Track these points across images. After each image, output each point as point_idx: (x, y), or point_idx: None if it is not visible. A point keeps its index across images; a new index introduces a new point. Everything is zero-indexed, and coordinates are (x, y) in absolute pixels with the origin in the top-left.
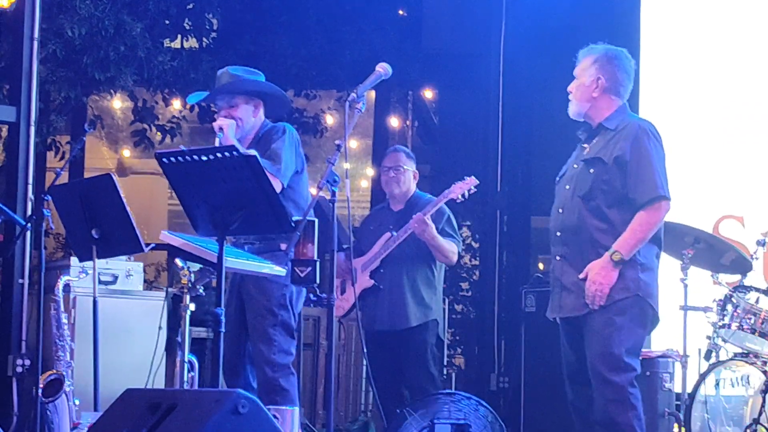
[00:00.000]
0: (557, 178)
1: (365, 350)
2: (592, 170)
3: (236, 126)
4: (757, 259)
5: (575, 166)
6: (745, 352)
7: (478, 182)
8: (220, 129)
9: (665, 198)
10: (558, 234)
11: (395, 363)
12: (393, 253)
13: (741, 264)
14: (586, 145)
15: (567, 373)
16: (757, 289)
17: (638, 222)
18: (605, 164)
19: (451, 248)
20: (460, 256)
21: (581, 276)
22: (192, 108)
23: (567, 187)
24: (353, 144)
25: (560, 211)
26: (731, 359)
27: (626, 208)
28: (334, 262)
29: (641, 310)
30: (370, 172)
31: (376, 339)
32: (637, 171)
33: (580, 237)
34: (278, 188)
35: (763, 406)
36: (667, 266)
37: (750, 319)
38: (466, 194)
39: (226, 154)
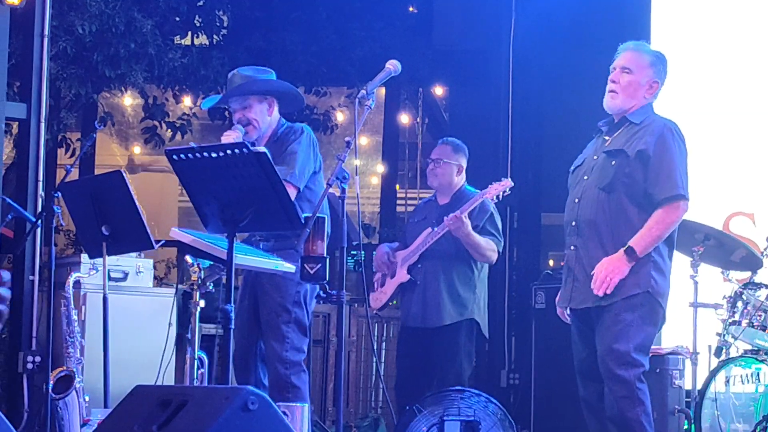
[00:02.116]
0: (571, 168)
1: (374, 346)
2: (614, 162)
3: (252, 127)
4: (767, 256)
5: (595, 157)
6: (755, 348)
7: (512, 184)
8: None
9: (684, 198)
10: (573, 224)
11: (425, 360)
12: (432, 248)
13: (751, 261)
14: (607, 137)
15: (578, 369)
16: (766, 286)
17: (655, 220)
18: (628, 157)
19: (490, 247)
20: None
21: (595, 272)
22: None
23: (585, 177)
24: (363, 141)
25: (576, 201)
26: (741, 356)
27: (646, 203)
28: (344, 258)
29: (651, 308)
30: (380, 168)
31: (409, 335)
32: (659, 167)
33: (597, 229)
34: (293, 194)
35: None
36: (678, 263)
37: (760, 316)
38: (501, 196)
39: (236, 151)
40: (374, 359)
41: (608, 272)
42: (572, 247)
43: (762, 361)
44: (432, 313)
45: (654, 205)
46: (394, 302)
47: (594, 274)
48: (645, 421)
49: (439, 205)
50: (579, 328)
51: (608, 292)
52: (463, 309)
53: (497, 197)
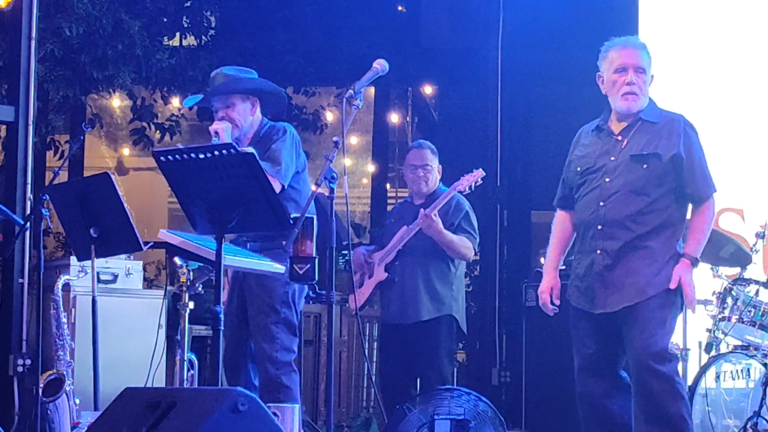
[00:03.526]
0: (579, 168)
1: (365, 345)
2: (645, 166)
3: (234, 126)
4: (756, 251)
5: (612, 158)
6: (746, 344)
7: (484, 174)
8: (216, 133)
9: (715, 191)
10: (600, 228)
11: (406, 357)
12: (409, 246)
13: (741, 257)
14: (620, 137)
15: (582, 365)
16: (757, 282)
17: (702, 221)
18: (661, 160)
19: (464, 244)
20: None
21: (673, 285)
22: (191, 106)
23: (607, 179)
24: (353, 141)
25: (601, 204)
26: (731, 352)
27: (677, 203)
28: (333, 258)
29: (678, 300)
30: (371, 168)
31: (388, 332)
32: (693, 168)
33: (628, 231)
34: (278, 189)
35: (763, 398)
36: None
37: (750, 311)
38: (473, 186)
39: (224, 152)
40: (365, 358)
41: (692, 286)
42: (598, 251)
43: (752, 357)
44: (410, 309)
45: (694, 205)
46: (373, 306)
47: (686, 291)
48: (686, 415)
49: (415, 205)
50: (594, 326)
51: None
52: (440, 305)
53: (470, 188)
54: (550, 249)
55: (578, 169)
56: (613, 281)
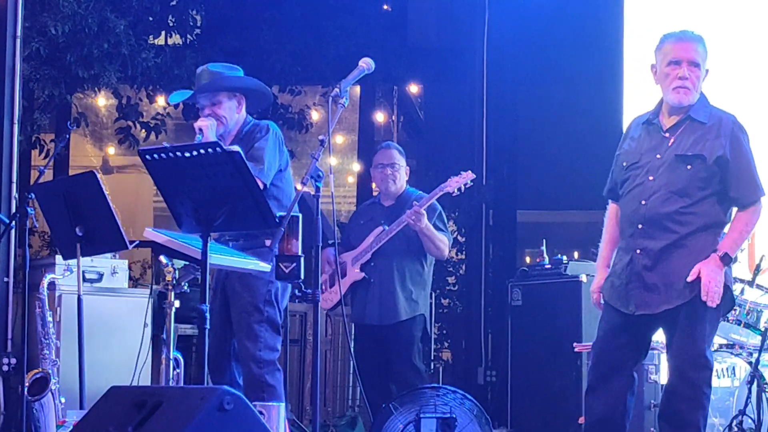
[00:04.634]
0: (625, 163)
1: (351, 344)
2: (689, 167)
3: (220, 123)
4: (742, 250)
5: (658, 156)
6: (731, 343)
7: (474, 176)
8: (200, 130)
9: (763, 195)
10: (640, 227)
11: (383, 357)
12: (384, 247)
13: None
14: (668, 134)
15: (600, 359)
16: (742, 281)
17: (744, 222)
18: (705, 162)
19: (444, 241)
20: None
21: (691, 278)
22: (176, 104)
23: (650, 178)
24: (339, 140)
25: (643, 203)
26: (717, 350)
27: (720, 206)
28: (319, 257)
29: (725, 301)
30: (357, 167)
31: (365, 333)
32: (740, 171)
33: (668, 232)
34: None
35: (748, 396)
36: None
37: (735, 310)
38: (462, 188)
39: (210, 150)
40: (351, 357)
41: (717, 282)
42: (638, 251)
43: (737, 356)
44: (388, 311)
45: (738, 208)
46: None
47: (705, 286)
48: (702, 426)
49: (385, 207)
50: (623, 322)
51: (718, 301)
52: (415, 305)
53: (459, 189)
54: (602, 245)
55: (624, 164)
56: (654, 282)
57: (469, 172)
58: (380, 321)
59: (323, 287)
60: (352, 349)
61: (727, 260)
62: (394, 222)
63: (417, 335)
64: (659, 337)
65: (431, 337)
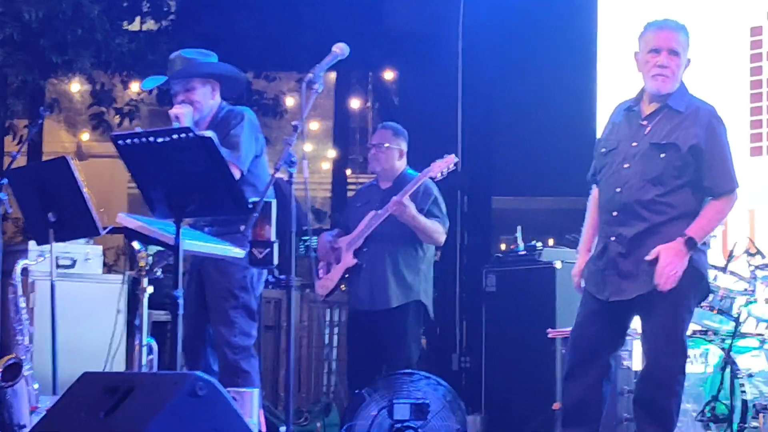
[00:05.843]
0: (603, 149)
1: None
2: (663, 155)
3: (195, 109)
4: (714, 237)
5: (634, 144)
6: (704, 329)
7: (457, 159)
8: (176, 118)
9: (737, 187)
10: (615, 214)
11: (374, 344)
12: (377, 231)
13: None
14: (645, 122)
15: (577, 345)
16: (715, 267)
17: (714, 210)
18: (679, 151)
19: (436, 228)
20: None
21: (649, 257)
22: (151, 90)
23: (626, 165)
24: (314, 126)
25: (618, 190)
26: (690, 336)
27: (694, 195)
28: (293, 243)
29: (699, 288)
30: (332, 153)
31: (357, 319)
32: (713, 161)
33: (642, 220)
34: (237, 176)
35: (721, 382)
36: None
37: (709, 297)
38: (445, 172)
39: (182, 135)
40: (325, 344)
41: (674, 266)
42: (612, 238)
43: (710, 342)
44: (379, 296)
45: (710, 197)
46: (343, 287)
47: (660, 267)
48: (675, 413)
49: (382, 190)
50: (599, 308)
51: (674, 286)
52: (409, 291)
53: (442, 173)
54: (584, 229)
55: (603, 150)
56: (628, 269)
57: (453, 155)
58: (371, 307)
59: (319, 273)
60: (326, 336)
61: (692, 244)
62: (384, 207)
63: (410, 323)
64: (634, 324)
65: (422, 324)
